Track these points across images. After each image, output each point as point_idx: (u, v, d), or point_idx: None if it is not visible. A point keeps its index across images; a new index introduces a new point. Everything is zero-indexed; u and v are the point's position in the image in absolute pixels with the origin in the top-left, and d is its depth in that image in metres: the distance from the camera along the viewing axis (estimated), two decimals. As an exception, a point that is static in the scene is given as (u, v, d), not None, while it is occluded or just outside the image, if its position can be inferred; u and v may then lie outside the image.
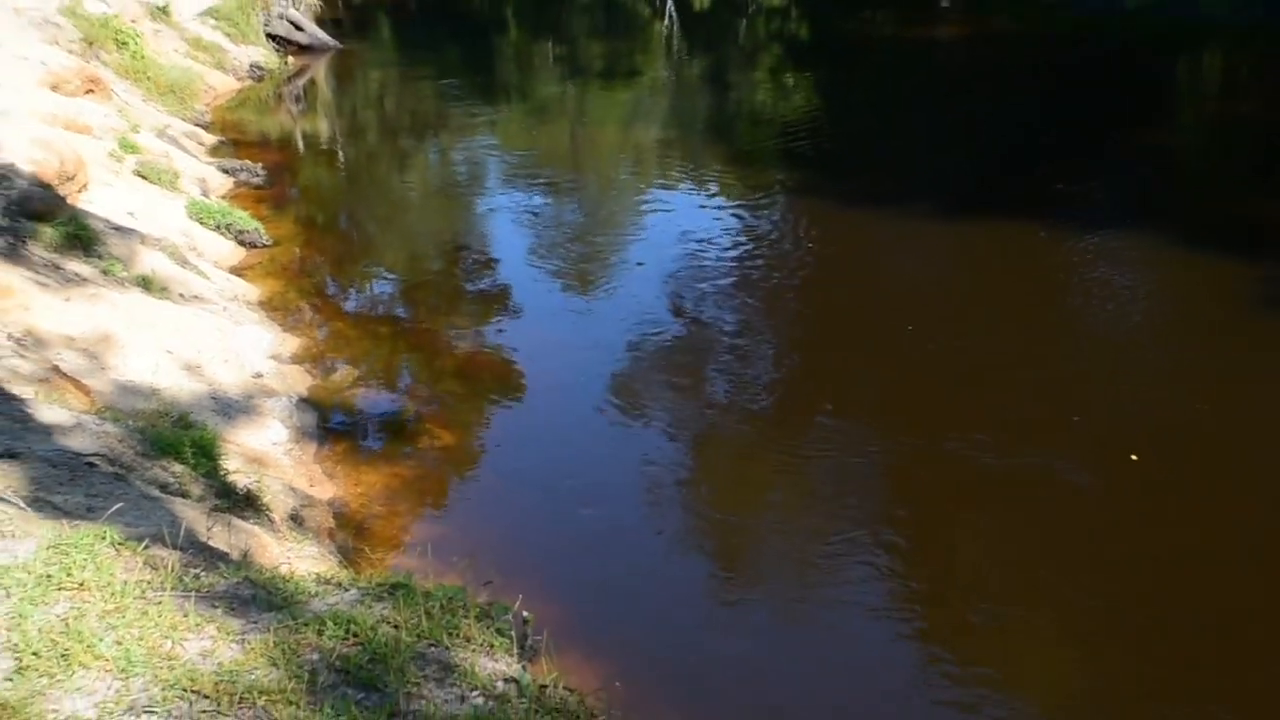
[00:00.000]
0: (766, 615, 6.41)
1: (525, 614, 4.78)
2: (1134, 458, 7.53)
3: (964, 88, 20.44)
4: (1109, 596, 6.38)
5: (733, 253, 11.60)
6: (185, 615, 3.86)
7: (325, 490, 7.27)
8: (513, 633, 4.47)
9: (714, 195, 13.62)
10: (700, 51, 23.81)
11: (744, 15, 28.13)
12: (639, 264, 11.36)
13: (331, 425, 8.18)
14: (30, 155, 9.63)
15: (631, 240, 12.31)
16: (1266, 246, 11.50)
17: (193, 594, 4.03)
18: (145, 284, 8.94)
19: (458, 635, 4.23)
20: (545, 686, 4.18)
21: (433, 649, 4.09)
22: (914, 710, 5.66)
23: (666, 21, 26.07)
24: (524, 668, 4.32)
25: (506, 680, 4.09)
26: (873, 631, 6.21)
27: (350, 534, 6.82)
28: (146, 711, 3.37)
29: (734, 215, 12.85)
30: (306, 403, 8.35)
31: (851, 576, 6.59)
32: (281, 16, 20.89)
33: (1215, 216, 12.67)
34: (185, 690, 3.49)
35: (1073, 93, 19.88)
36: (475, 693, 3.93)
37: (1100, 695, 5.68)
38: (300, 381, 8.69)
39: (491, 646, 4.27)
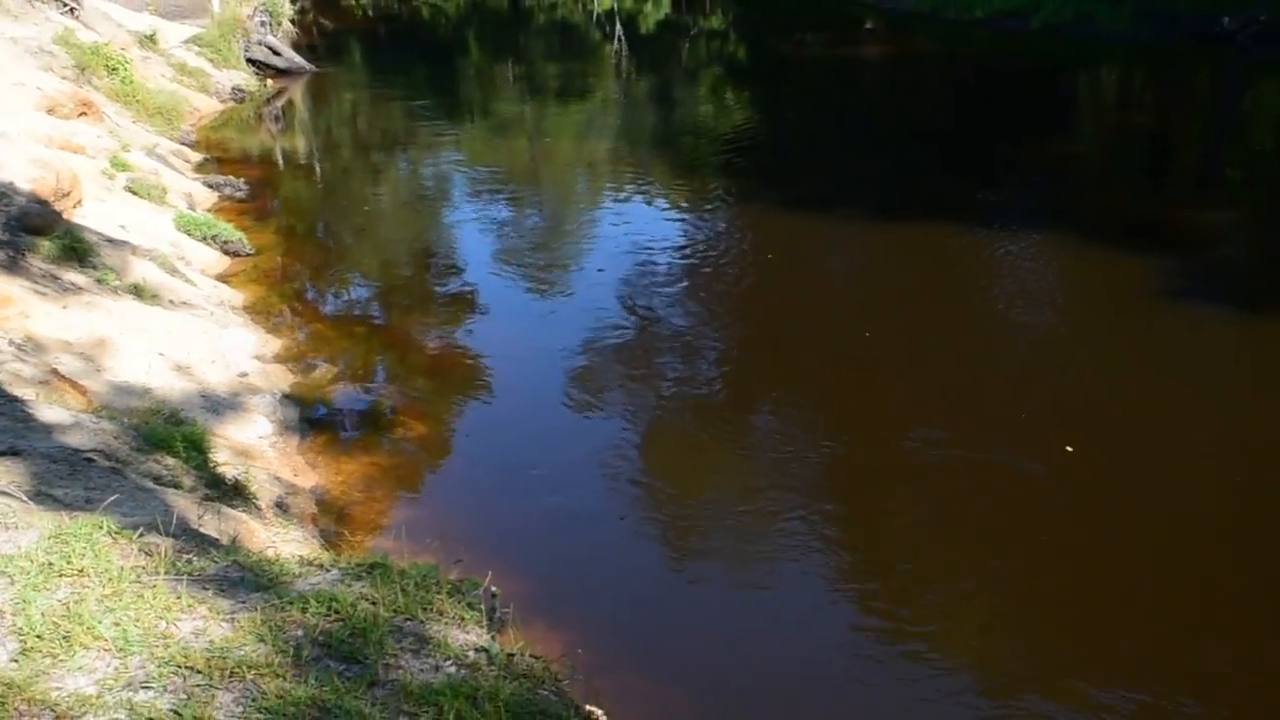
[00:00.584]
0: (718, 586, 6.44)
1: (493, 589, 4.78)
2: (1069, 449, 7.63)
3: (889, 102, 20.57)
4: (1033, 570, 6.47)
5: (681, 256, 11.63)
6: (178, 597, 3.84)
7: (308, 479, 7.23)
8: (482, 606, 4.47)
9: (663, 203, 13.63)
10: (647, 71, 23.80)
11: (686, 37, 28.12)
12: (596, 268, 11.36)
13: (313, 419, 8.13)
14: (28, 174, 9.51)
15: (588, 246, 12.32)
16: (1161, 244, 11.67)
17: (185, 577, 4.00)
18: (137, 292, 8.85)
19: (431, 610, 4.23)
20: (513, 655, 4.18)
21: (409, 623, 4.08)
22: (854, 667, 5.72)
23: (616, 44, 26.03)
24: (493, 638, 4.32)
25: (477, 650, 4.09)
26: (816, 598, 6.26)
27: (332, 519, 6.79)
28: (144, 687, 3.35)
29: (681, 222, 12.87)
30: (289, 399, 8.30)
31: (796, 550, 6.64)
32: (260, 43, 20.69)
33: (1115, 217, 12.84)
34: (180, 666, 3.47)
35: (987, 106, 20.08)
36: (448, 662, 3.93)
37: (1021, 655, 5.77)
38: (283, 379, 8.63)
39: (463, 619, 4.27)
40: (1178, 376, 8.90)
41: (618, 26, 27.83)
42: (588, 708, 4.46)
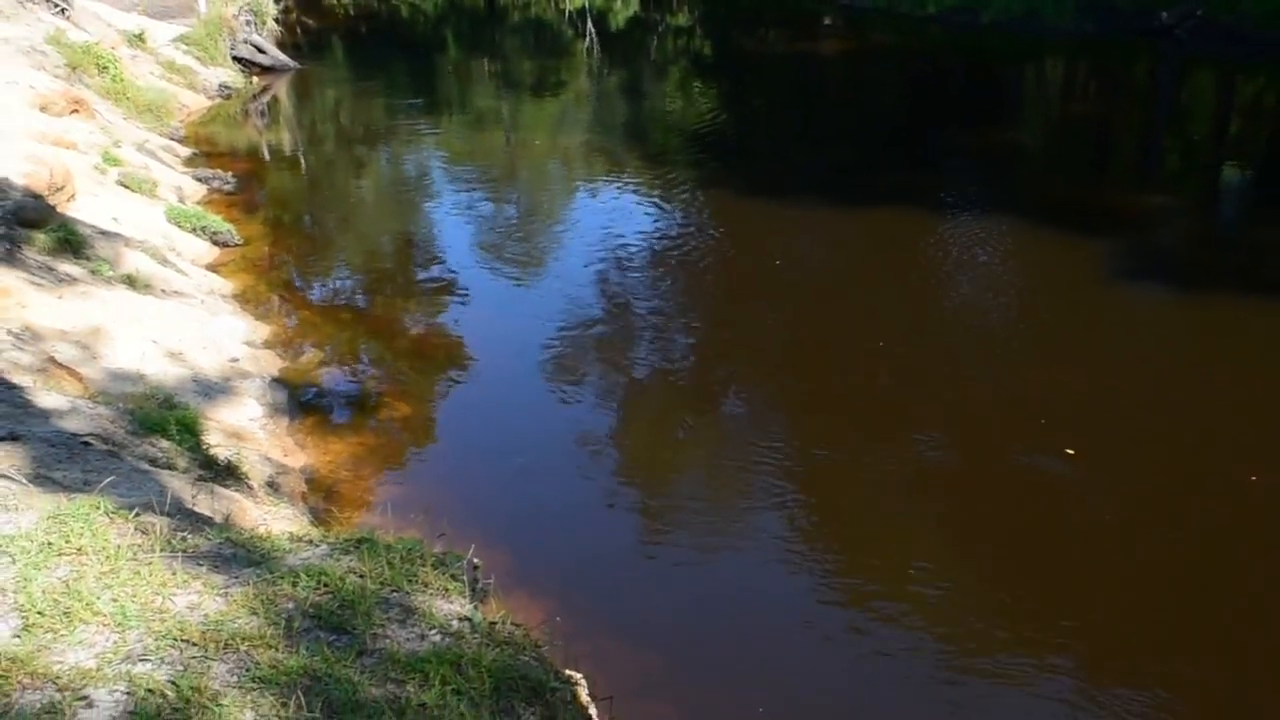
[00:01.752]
0: (692, 555, 6.46)
1: (476, 561, 4.78)
2: (1049, 427, 7.68)
3: (847, 94, 20.59)
4: (989, 537, 6.53)
5: (651, 240, 11.62)
6: (174, 573, 3.82)
7: (297, 459, 7.20)
8: (465, 578, 4.47)
9: (634, 192, 13.60)
10: (618, 66, 23.69)
11: (655, 34, 28.00)
12: (570, 253, 11.35)
13: (302, 402, 8.10)
14: (22, 169, 9.40)
15: (563, 233, 12.28)
16: (1104, 228, 11.76)
17: (180, 554, 3.98)
18: (130, 282, 8.77)
19: (416, 582, 4.22)
20: (495, 624, 4.18)
21: (395, 594, 4.08)
22: (821, 628, 5.78)
23: (587, 40, 25.89)
24: (475, 608, 4.32)
25: (460, 619, 4.09)
26: (785, 565, 6.30)
27: (321, 497, 6.77)
28: (142, 659, 3.34)
29: (652, 209, 12.86)
30: (278, 382, 8.26)
31: (765, 519, 6.69)
32: (246, 41, 20.47)
33: (1060, 204, 12.91)
34: (176, 640, 3.46)
35: (939, 98, 20.13)
36: (433, 631, 3.92)
37: (978, 622, 5.82)
38: (272, 364, 8.58)
39: (446, 591, 4.27)
40: (1118, 352, 8.98)
41: (589, 24, 27.68)
42: (567, 672, 4.47)
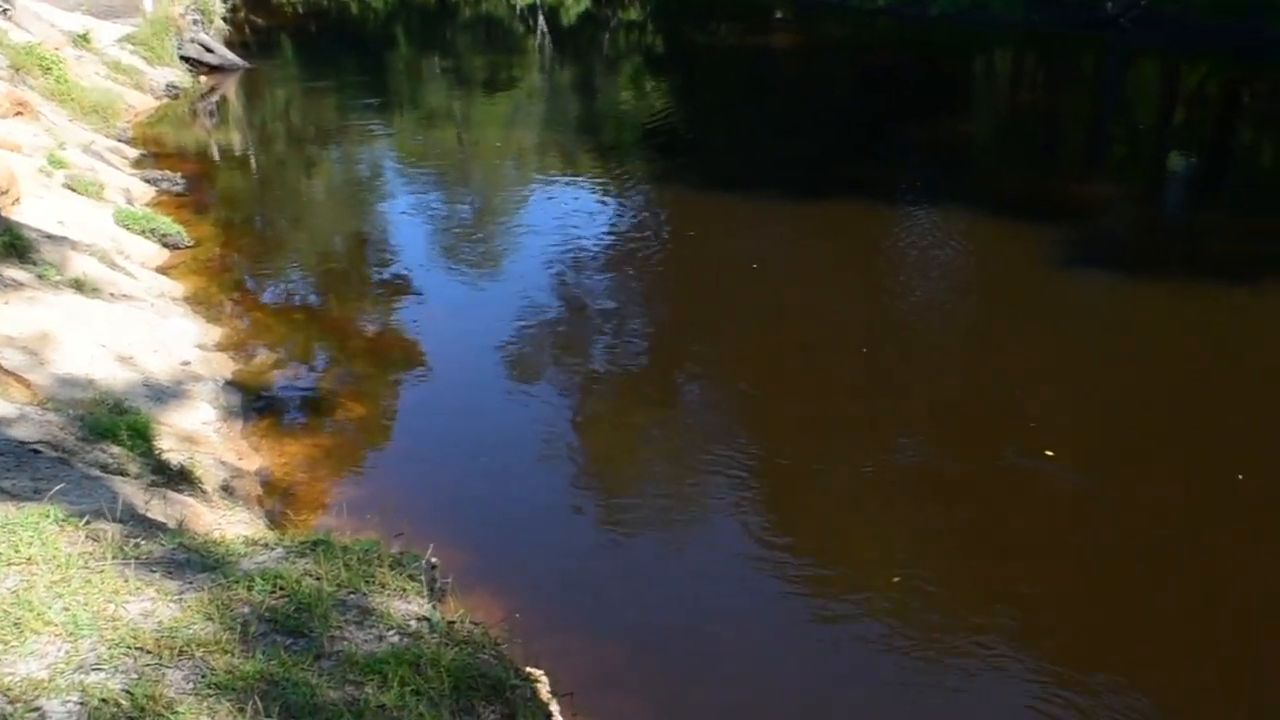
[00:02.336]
0: (650, 549, 6.48)
1: (434, 561, 4.77)
2: (1003, 413, 7.75)
3: (799, 88, 20.66)
4: (944, 520, 6.58)
5: (606, 237, 11.62)
6: (126, 581, 3.78)
7: (252, 462, 7.13)
8: (423, 578, 4.46)
9: (588, 187, 13.59)
10: (570, 62, 23.65)
11: (606, 29, 27.96)
12: (526, 252, 11.30)
13: (256, 404, 8.01)
14: (-36, 173, 9.24)
15: (517, 230, 12.24)
16: (1053, 216, 11.92)
17: (132, 561, 3.94)
18: (78, 286, 8.64)
19: (374, 583, 4.20)
20: (453, 623, 4.17)
21: (352, 596, 4.06)
22: (779, 618, 5.80)
23: (539, 36, 25.81)
24: (434, 607, 4.31)
25: (419, 619, 4.08)
26: (743, 557, 6.31)
27: (277, 500, 6.71)
28: (95, 669, 3.30)
29: (606, 204, 12.86)
30: (232, 385, 8.17)
31: (723, 512, 6.71)
32: (193, 40, 20.22)
33: (1010, 192, 13.07)
34: (129, 648, 3.42)
35: (890, 90, 20.26)
36: (391, 632, 3.91)
37: (925, 607, 5.87)
38: (225, 366, 8.49)
39: (404, 591, 4.25)
40: (1069, 338, 9.09)
41: (540, 19, 27.59)
42: (528, 669, 4.47)
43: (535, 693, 4.25)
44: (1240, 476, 6.83)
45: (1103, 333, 9.32)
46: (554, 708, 4.45)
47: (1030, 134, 17.55)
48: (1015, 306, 9.66)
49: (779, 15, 27.42)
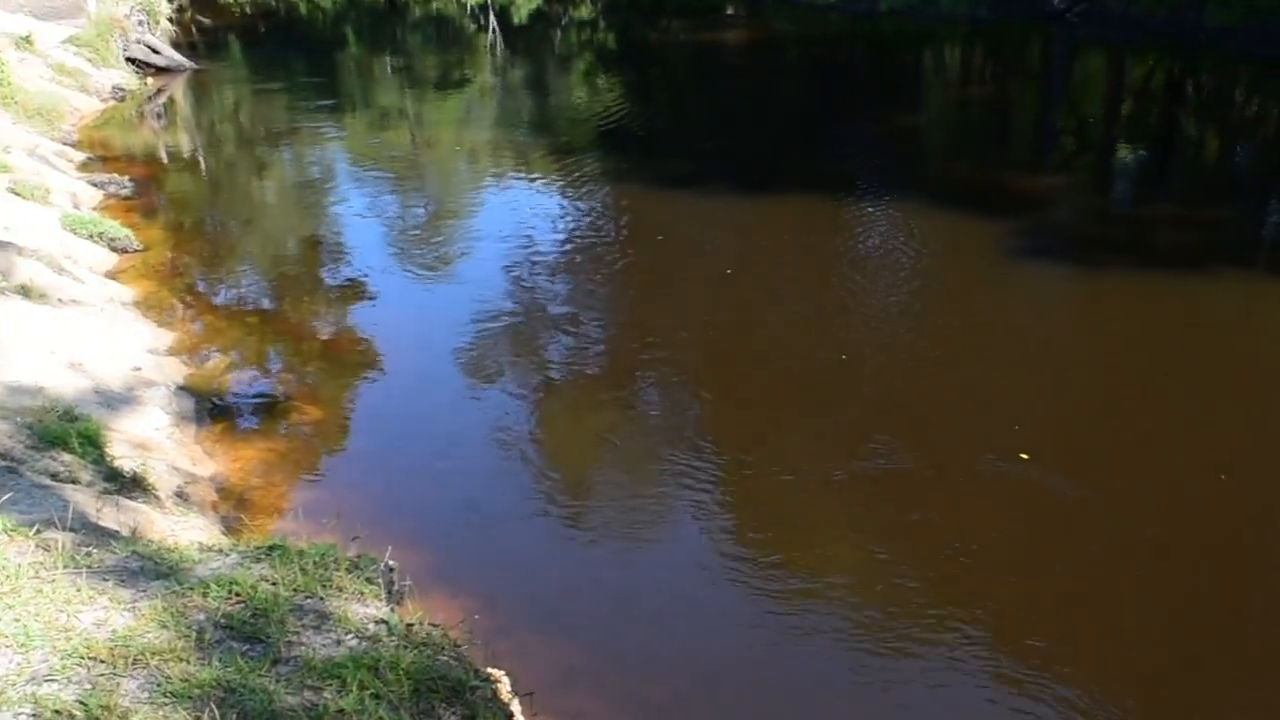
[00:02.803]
0: (609, 547, 6.47)
1: (391, 564, 4.74)
2: (957, 402, 7.80)
3: (751, 83, 20.72)
4: (899, 516, 6.62)
5: (561, 234, 11.60)
6: (78, 590, 3.73)
7: (206, 468, 7.06)
8: (381, 581, 4.44)
9: (542, 185, 13.57)
10: (522, 60, 23.57)
11: (558, 26, 27.90)
12: (481, 251, 11.26)
13: (209, 409, 7.93)
14: (-95, 179, 9.07)
15: (471, 229, 12.19)
16: (1003, 206, 12.05)
17: (85, 570, 3.89)
18: (25, 292, 8.51)
19: (331, 587, 4.18)
20: (412, 625, 4.16)
21: (309, 601, 4.03)
22: (736, 614, 5.81)
23: (490, 35, 25.70)
24: (392, 610, 4.29)
25: (377, 622, 4.06)
26: (700, 553, 6.33)
27: (232, 505, 6.64)
28: (47, 680, 3.26)
29: (560, 203, 12.83)
30: (185, 390, 8.07)
31: (680, 510, 6.73)
32: (139, 41, 19.96)
33: (961, 184, 13.21)
34: (83, 658, 3.38)
35: (841, 84, 20.39)
36: (349, 636, 3.89)
37: (881, 600, 5.92)
38: (177, 371, 8.39)
39: (362, 594, 4.23)
40: (1019, 328, 9.21)
41: (491, 18, 27.47)
42: (488, 670, 4.46)
43: (496, 693, 4.24)
44: (1195, 455, 6.95)
45: (1054, 322, 9.45)
46: (515, 707, 4.44)
47: (980, 126, 17.72)
48: (967, 297, 9.76)
49: (730, 11, 27.51)
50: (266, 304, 10.15)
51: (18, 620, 3.48)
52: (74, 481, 5.65)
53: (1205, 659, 5.47)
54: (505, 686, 4.52)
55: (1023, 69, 21.93)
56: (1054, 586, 5.95)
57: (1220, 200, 13.24)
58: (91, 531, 4.66)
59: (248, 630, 3.70)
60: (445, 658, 4.03)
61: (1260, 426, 7.53)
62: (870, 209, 12.04)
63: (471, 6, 29.52)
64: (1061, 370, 8.43)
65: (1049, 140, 16.50)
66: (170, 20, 23.71)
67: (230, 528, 6.18)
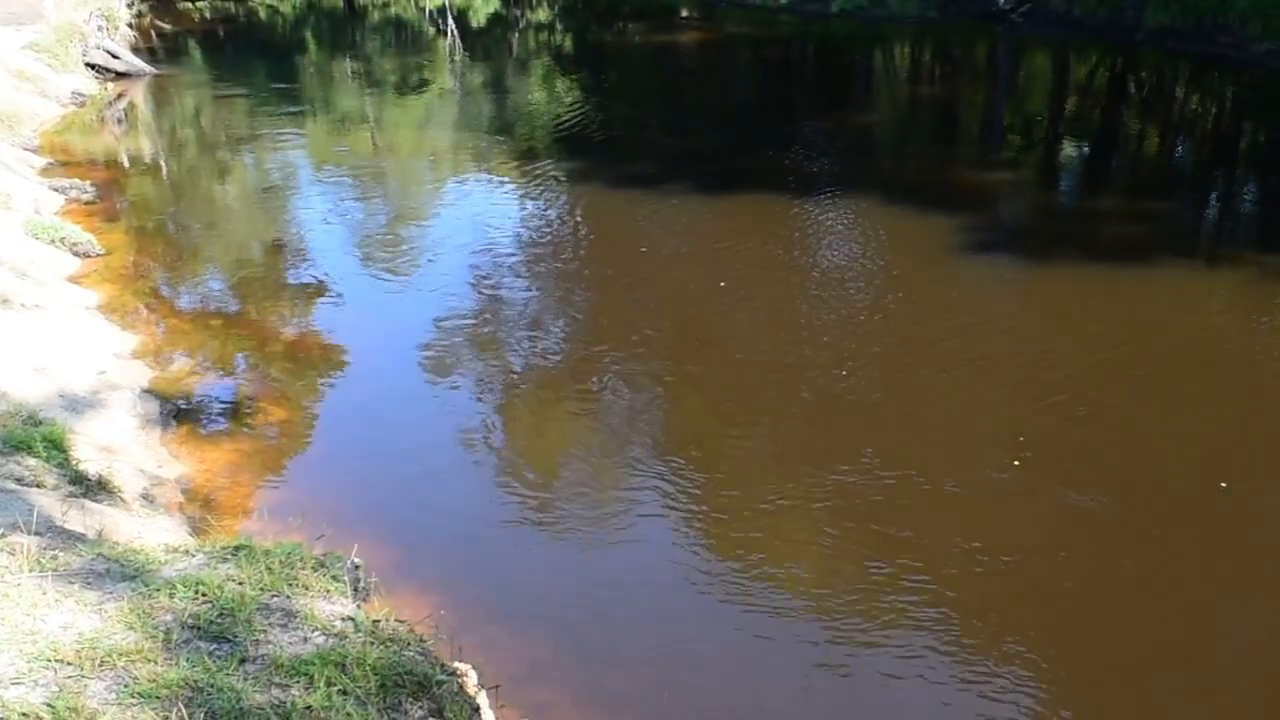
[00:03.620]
0: (571, 544, 6.47)
1: (357, 561, 4.72)
2: (907, 390, 7.84)
3: (706, 84, 20.74)
4: (858, 505, 6.67)
5: (522, 235, 11.57)
6: (44, 593, 3.69)
7: (173, 470, 6.99)
8: (347, 578, 4.42)
9: (502, 186, 13.52)
10: (481, 63, 23.45)
11: (516, 29, 27.80)
12: (442, 252, 11.19)
13: (174, 411, 7.84)
14: None
15: (433, 230, 12.11)
16: (953, 201, 12.16)
17: (50, 574, 3.85)
18: (-13, 298, 8.39)
19: (297, 585, 4.15)
20: (378, 621, 4.14)
21: (275, 599, 4.01)
22: (697, 604, 5.84)
23: (449, 38, 25.55)
24: (359, 607, 4.28)
25: (343, 619, 4.04)
26: (660, 547, 6.35)
27: (198, 506, 6.57)
28: (14, 683, 3.22)
29: (520, 202, 12.80)
30: (150, 393, 7.99)
31: (641, 505, 6.74)
32: (98, 47, 19.68)
33: (911, 179, 13.32)
34: (50, 660, 3.34)
35: (794, 83, 20.47)
36: (316, 633, 3.87)
37: (840, 590, 5.96)
38: (142, 375, 8.30)
39: (328, 592, 4.21)
40: (969, 318, 9.30)
41: (450, 21, 27.31)
42: (454, 664, 4.45)
43: (462, 687, 4.23)
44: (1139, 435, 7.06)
45: (1002, 312, 9.58)
46: (481, 700, 4.43)
47: (930, 124, 17.86)
48: (918, 290, 9.84)
49: (684, 14, 27.51)
50: (230, 307, 10.05)
51: (-17, 625, 3.44)
52: (39, 485, 5.58)
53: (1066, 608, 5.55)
54: (472, 680, 4.51)
55: (970, 68, 22.10)
56: (983, 551, 6.02)
57: (1161, 193, 13.44)
58: (57, 535, 4.60)
59: (215, 630, 3.68)
60: (411, 653, 4.02)
61: (1199, 405, 7.68)
62: (824, 206, 12.10)
63: (430, 10, 29.35)
64: (1008, 357, 8.54)
65: (996, 137, 16.65)
66: (129, 25, 23.38)
67: (197, 528, 6.12)
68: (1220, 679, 5.31)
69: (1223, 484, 6.72)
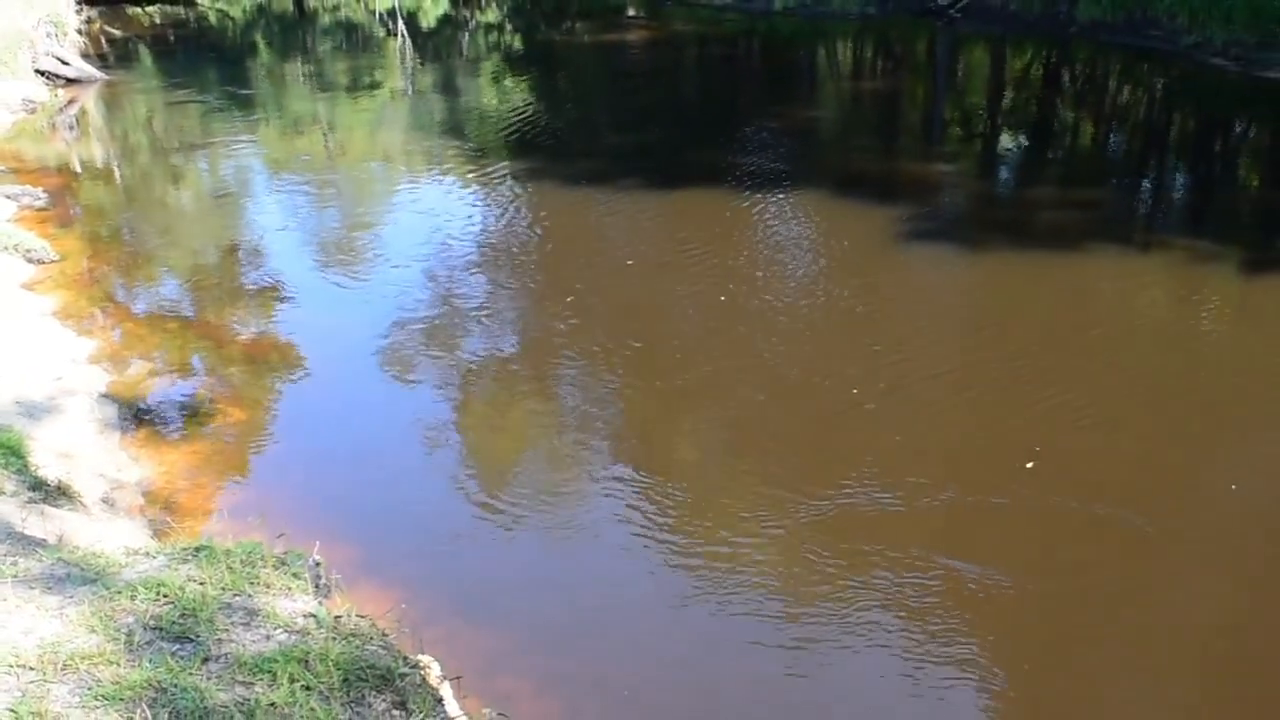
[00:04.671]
0: (530, 537, 6.46)
1: (318, 559, 4.70)
2: (857, 380, 7.90)
3: (653, 81, 20.73)
4: (819, 498, 6.72)
5: (475, 233, 11.52)
6: (4, 599, 3.64)
7: (132, 473, 6.90)
8: (308, 575, 4.39)
9: (455, 186, 13.43)
10: (432, 63, 23.27)
11: (465, 30, 27.61)
12: (397, 252, 11.10)
13: (133, 415, 7.75)
14: None
15: (387, 232, 12.02)
16: (897, 193, 12.27)
17: (10, 579, 3.79)
18: (-60, 306, 8.23)
19: (258, 584, 4.13)
20: (340, 617, 4.13)
21: (237, 598, 3.98)
22: (657, 594, 5.86)
23: (399, 39, 25.34)
24: (320, 604, 4.25)
25: (305, 616, 4.02)
26: (620, 539, 6.36)
27: (159, 509, 6.50)
28: (-24, 689, 3.17)
29: (473, 201, 12.73)
30: (107, 397, 7.88)
31: (601, 497, 6.75)
32: (48, 53, 19.32)
33: (856, 172, 13.41)
34: (11, 666, 3.30)
35: (739, 80, 20.54)
36: (278, 630, 3.85)
37: (794, 571, 6.01)
38: (100, 379, 8.18)
39: (290, 589, 4.19)
40: (913, 306, 9.41)
41: (400, 23, 27.08)
42: (417, 657, 4.44)
43: (425, 678, 4.23)
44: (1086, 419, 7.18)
45: (946, 297, 9.70)
46: (444, 691, 4.43)
47: (872, 118, 17.99)
48: (864, 278, 9.93)
49: (631, 13, 27.46)
50: (186, 310, 9.93)
51: (-57, 632, 3.38)
52: (-3, 492, 5.50)
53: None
54: (434, 672, 4.51)
55: (910, 63, 22.26)
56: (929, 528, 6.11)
57: (1095, 181, 13.65)
58: (16, 541, 4.53)
59: (177, 630, 3.65)
60: (374, 647, 4.01)
61: (1133, 384, 7.83)
62: (771, 198, 12.15)
63: (379, 12, 29.08)
64: (950, 340, 8.65)
65: (937, 129, 16.81)
66: (79, 31, 22.97)
67: (157, 531, 6.05)
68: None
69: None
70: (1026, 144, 15.83)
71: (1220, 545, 6.15)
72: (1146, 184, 14.13)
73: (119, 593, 3.79)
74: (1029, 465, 6.76)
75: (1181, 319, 9.29)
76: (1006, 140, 16.23)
